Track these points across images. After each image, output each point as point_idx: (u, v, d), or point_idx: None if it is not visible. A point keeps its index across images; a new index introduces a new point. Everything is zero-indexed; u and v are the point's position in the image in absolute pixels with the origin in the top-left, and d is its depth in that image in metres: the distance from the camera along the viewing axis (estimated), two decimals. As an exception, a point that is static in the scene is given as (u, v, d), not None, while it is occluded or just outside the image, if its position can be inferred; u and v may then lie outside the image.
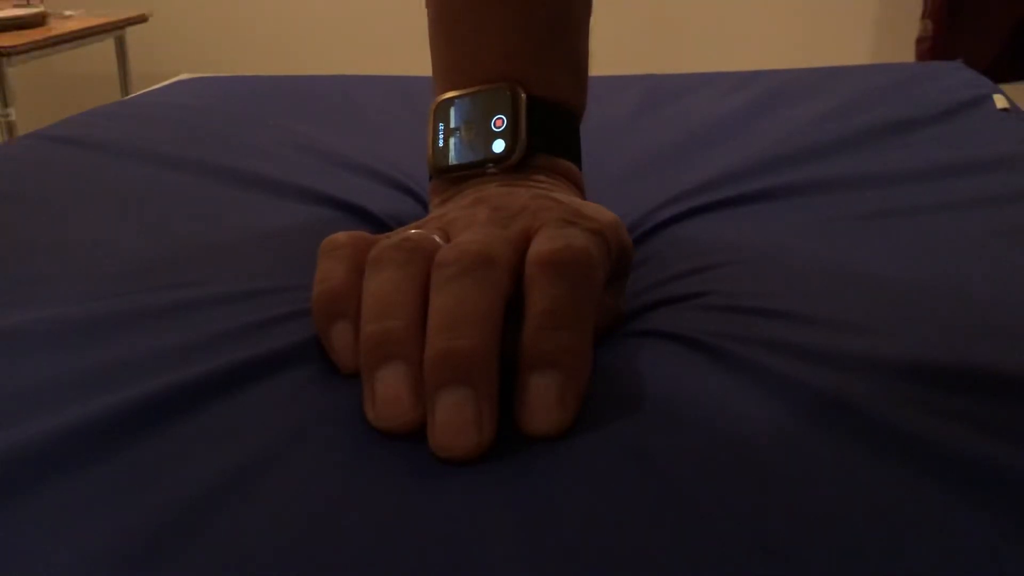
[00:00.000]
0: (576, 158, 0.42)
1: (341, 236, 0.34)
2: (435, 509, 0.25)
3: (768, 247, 0.42)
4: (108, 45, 2.44)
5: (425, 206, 0.52)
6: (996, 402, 0.28)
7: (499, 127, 0.39)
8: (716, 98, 0.70)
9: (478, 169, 0.39)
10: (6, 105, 1.96)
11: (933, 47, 1.60)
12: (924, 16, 1.64)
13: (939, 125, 0.59)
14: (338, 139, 0.60)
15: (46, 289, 0.38)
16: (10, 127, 1.98)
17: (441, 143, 0.41)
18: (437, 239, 0.33)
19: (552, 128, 0.41)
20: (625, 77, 0.78)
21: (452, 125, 0.41)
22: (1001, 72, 1.29)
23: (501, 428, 0.28)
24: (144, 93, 0.79)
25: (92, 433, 0.27)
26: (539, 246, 0.31)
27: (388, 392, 0.28)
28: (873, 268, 0.39)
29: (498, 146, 0.39)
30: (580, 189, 0.41)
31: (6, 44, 1.97)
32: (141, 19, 2.46)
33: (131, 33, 2.47)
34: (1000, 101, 0.63)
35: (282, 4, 2.72)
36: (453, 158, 0.40)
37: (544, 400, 0.28)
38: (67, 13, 2.39)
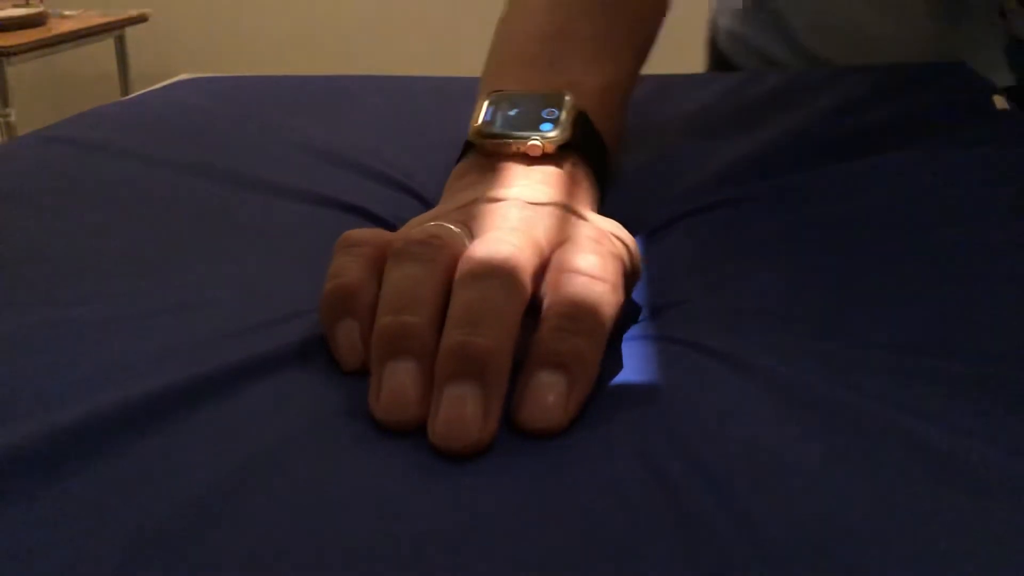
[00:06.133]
0: (601, 179, 0.43)
1: (359, 233, 0.34)
2: (436, 507, 0.25)
3: (767, 248, 0.42)
4: (108, 45, 2.44)
5: (427, 206, 0.52)
6: (985, 399, 0.28)
7: (550, 116, 0.41)
8: (715, 99, 0.70)
9: (519, 142, 0.40)
10: (6, 105, 1.97)
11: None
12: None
13: (938, 127, 0.59)
14: (338, 139, 0.60)
15: (46, 289, 0.38)
16: (10, 127, 1.98)
17: (488, 117, 0.42)
18: (461, 234, 0.33)
19: (591, 143, 0.42)
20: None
21: (504, 108, 0.42)
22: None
23: (502, 429, 0.28)
24: (144, 93, 0.79)
25: (92, 433, 0.27)
26: (568, 255, 0.32)
27: (395, 385, 0.28)
28: (872, 270, 0.39)
29: (545, 127, 0.40)
30: (596, 203, 0.42)
31: (6, 44, 1.97)
32: (141, 19, 2.46)
33: (131, 33, 2.47)
34: (1000, 102, 0.63)
35: (282, 4, 2.72)
36: (498, 127, 0.41)
37: (546, 397, 0.28)
38: (67, 13, 2.39)
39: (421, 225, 0.35)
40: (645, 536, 0.23)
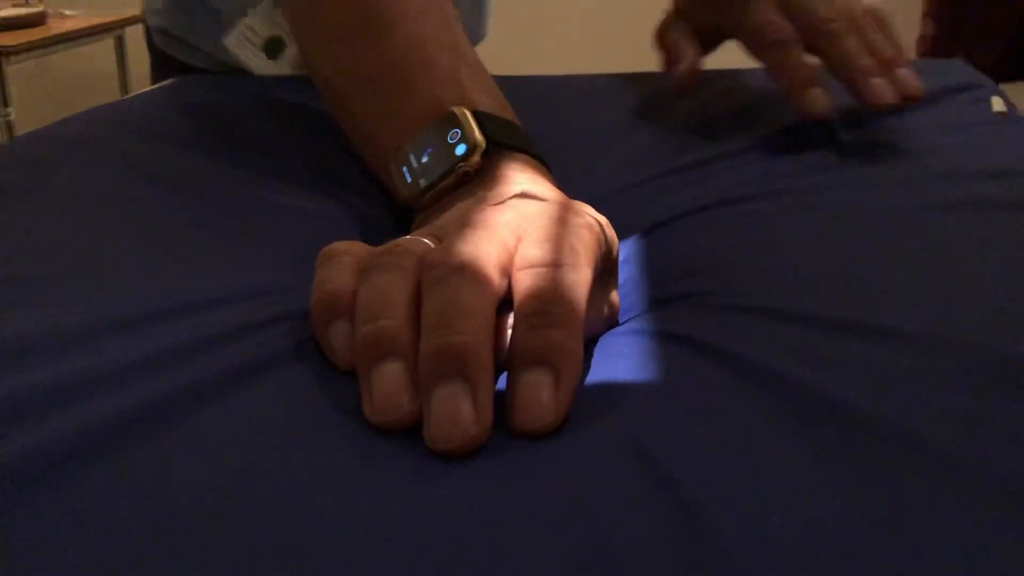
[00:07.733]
0: (538, 155, 0.43)
1: (340, 245, 0.35)
2: (434, 506, 0.25)
3: (763, 247, 0.42)
4: (108, 45, 2.44)
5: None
6: (995, 400, 0.28)
7: (455, 138, 0.41)
8: (713, 97, 0.70)
9: (450, 177, 0.40)
10: (6, 105, 1.97)
11: (935, 46, 1.60)
12: (926, 15, 1.64)
13: (931, 129, 0.59)
14: (338, 140, 0.60)
15: (46, 289, 0.38)
16: (10, 127, 1.98)
17: (409, 179, 0.42)
18: (428, 242, 0.34)
19: (504, 130, 0.42)
20: (623, 75, 0.78)
21: (413, 160, 0.42)
22: (1003, 72, 1.28)
23: (496, 428, 0.28)
24: (143, 93, 0.79)
25: (91, 433, 0.27)
26: (527, 248, 0.32)
27: (385, 389, 0.29)
28: (869, 268, 0.39)
29: (460, 149, 0.40)
30: (552, 182, 0.42)
31: (6, 44, 1.98)
32: (141, 19, 2.46)
33: (131, 33, 2.47)
34: (997, 104, 0.63)
35: (282, 4, 2.71)
36: (424, 184, 0.41)
37: (534, 397, 0.28)
38: (67, 13, 2.39)
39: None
40: (645, 536, 0.23)
